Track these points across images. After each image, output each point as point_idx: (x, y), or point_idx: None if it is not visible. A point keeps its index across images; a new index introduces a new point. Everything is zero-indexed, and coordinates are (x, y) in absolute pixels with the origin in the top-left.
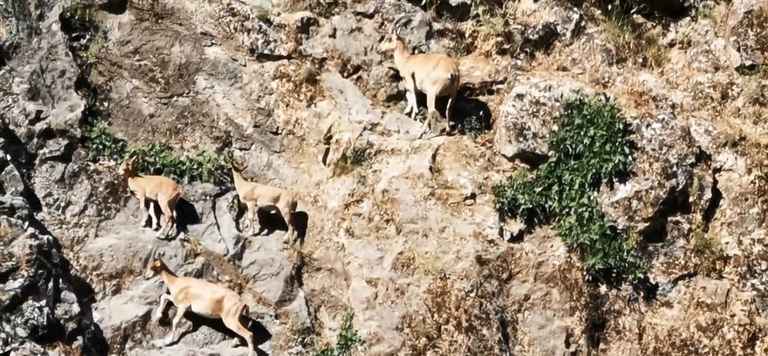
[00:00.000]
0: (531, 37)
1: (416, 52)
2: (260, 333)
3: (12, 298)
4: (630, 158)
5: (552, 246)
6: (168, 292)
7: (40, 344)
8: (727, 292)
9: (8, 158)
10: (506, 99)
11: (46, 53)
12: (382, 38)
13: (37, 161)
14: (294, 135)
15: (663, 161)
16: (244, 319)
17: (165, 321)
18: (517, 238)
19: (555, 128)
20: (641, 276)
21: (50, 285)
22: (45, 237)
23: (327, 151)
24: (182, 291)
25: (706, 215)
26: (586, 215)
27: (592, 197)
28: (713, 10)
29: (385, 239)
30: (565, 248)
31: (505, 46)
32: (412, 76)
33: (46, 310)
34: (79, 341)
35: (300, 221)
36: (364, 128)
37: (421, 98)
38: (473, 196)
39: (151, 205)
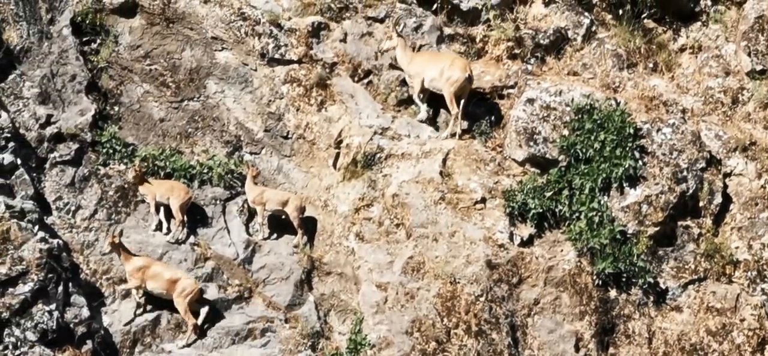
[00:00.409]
0: (542, 41)
1: (419, 48)
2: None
3: (22, 302)
4: (640, 162)
5: (562, 251)
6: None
7: (49, 348)
8: (737, 297)
9: (18, 162)
10: (517, 104)
11: (56, 57)
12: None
13: (47, 165)
14: (304, 139)
15: (673, 166)
16: (199, 303)
17: (177, 326)
18: (527, 242)
19: (565, 132)
20: (651, 280)
21: (60, 289)
22: (55, 241)
23: (337, 155)
24: (139, 270)
25: (716, 219)
26: (597, 219)
27: (602, 202)
28: (724, 15)
29: (395, 244)
30: (575, 252)
31: (516, 51)
32: (418, 74)
33: (55, 314)
34: (89, 345)
35: (310, 225)
36: (375, 133)
37: (424, 95)
38: (483, 200)
39: (162, 209)
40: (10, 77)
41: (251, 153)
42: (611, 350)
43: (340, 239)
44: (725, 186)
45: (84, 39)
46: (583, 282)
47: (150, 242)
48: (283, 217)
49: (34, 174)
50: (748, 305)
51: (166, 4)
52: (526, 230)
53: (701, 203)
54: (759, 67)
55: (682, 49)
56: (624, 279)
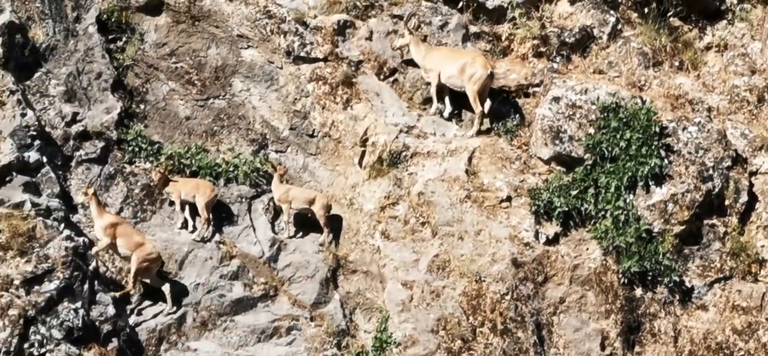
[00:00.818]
0: (567, 40)
1: (432, 42)
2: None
3: (47, 300)
4: (666, 161)
5: (588, 249)
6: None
7: (75, 346)
8: (763, 295)
9: (44, 160)
10: (542, 102)
11: (82, 55)
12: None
13: (73, 163)
14: (330, 138)
15: (699, 164)
16: (161, 278)
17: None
18: (552, 241)
19: (591, 130)
20: (677, 279)
21: (86, 287)
22: (81, 239)
23: (363, 153)
24: (112, 226)
25: (742, 218)
26: (622, 218)
27: (628, 200)
28: (750, 13)
29: (421, 242)
30: (600, 251)
31: (542, 49)
32: (434, 70)
33: (81, 312)
34: (115, 343)
35: (335, 223)
36: (400, 131)
37: (440, 92)
38: (509, 199)
39: (187, 207)
40: (36, 75)
41: (277, 151)
42: (637, 348)
43: (365, 238)
44: (751, 185)
45: (110, 37)
46: (609, 280)
47: (175, 241)
48: (309, 215)
49: (60, 172)
50: None
51: (191, 2)
52: (551, 228)
53: (727, 202)
54: None
55: (707, 48)
56: (650, 278)
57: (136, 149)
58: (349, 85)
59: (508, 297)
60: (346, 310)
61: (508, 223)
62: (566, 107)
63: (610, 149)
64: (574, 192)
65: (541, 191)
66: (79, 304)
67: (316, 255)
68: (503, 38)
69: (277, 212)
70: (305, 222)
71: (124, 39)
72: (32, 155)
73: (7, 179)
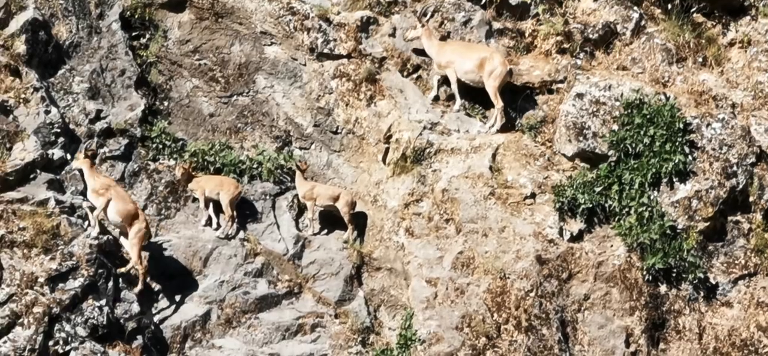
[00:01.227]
0: (591, 36)
1: (451, 37)
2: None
3: (72, 298)
4: (690, 157)
5: (612, 246)
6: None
7: (100, 343)
8: None
9: (68, 157)
10: (566, 98)
11: (106, 52)
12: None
13: (97, 161)
14: (354, 134)
15: (723, 161)
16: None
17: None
18: (576, 238)
19: (615, 127)
20: (701, 275)
21: (110, 284)
22: (105, 237)
23: (387, 150)
24: (106, 188)
25: (767, 214)
26: (646, 214)
27: (652, 197)
28: None
29: (445, 239)
30: (625, 247)
31: (565, 46)
32: (449, 65)
33: (105, 309)
34: (139, 340)
35: (359, 220)
36: (424, 128)
37: (458, 87)
38: (533, 195)
39: (211, 204)
40: (60, 72)
41: (301, 148)
42: (661, 345)
43: (389, 235)
44: None
45: (133, 34)
46: (633, 277)
47: (200, 238)
48: (333, 212)
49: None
50: None
51: None
52: (575, 225)
53: (751, 198)
54: None
55: (731, 44)
56: (674, 274)
57: (160, 146)
58: (373, 82)
59: (532, 294)
60: (371, 307)
61: (532, 220)
62: (590, 104)
63: (633, 145)
64: (598, 189)
65: (565, 187)
66: (103, 301)
67: (341, 252)
68: (526, 34)
69: (302, 209)
70: (329, 219)
71: (147, 36)
72: (56, 153)
73: (31, 176)
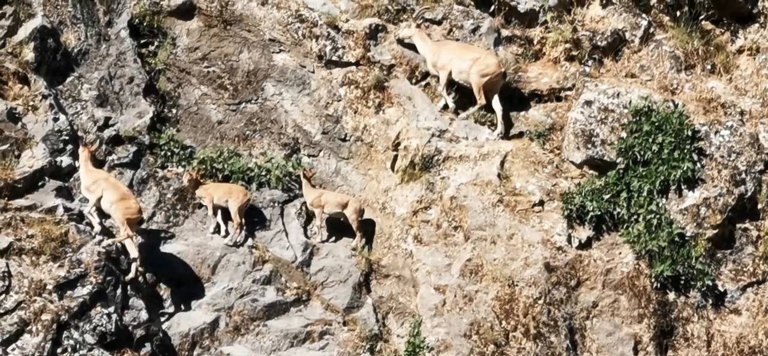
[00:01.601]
0: (599, 43)
1: (437, 38)
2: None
3: (80, 305)
4: (698, 165)
5: (620, 253)
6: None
7: (108, 351)
8: None
9: (77, 164)
10: (574, 106)
11: (114, 60)
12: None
13: (105, 168)
14: (362, 142)
15: (731, 168)
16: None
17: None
18: (585, 245)
19: (623, 134)
20: (710, 283)
21: (118, 291)
22: (114, 244)
23: (395, 158)
24: (96, 183)
25: None
26: (655, 222)
27: (660, 204)
28: None
29: (453, 246)
30: (633, 255)
31: (574, 53)
32: (445, 67)
33: (114, 317)
34: (147, 348)
35: (368, 228)
36: (433, 135)
37: (451, 87)
38: (541, 203)
39: (220, 212)
40: (68, 80)
41: (309, 156)
42: (670, 353)
43: (398, 242)
44: None
45: (142, 41)
46: (642, 284)
47: (208, 245)
48: (342, 220)
49: None
50: None
51: (223, 6)
52: (584, 232)
53: (760, 206)
54: None
55: (739, 51)
56: (682, 282)
57: (169, 154)
58: (381, 90)
59: (540, 302)
60: (379, 315)
61: (540, 227)
62: (598, 111)
63: (642, 152)
64: (606, 196)
65: (574, 195)
66: (111, 309)
67: (349, 260)
68: (535, 42)
69: (310, 216)
70: (338, 227)
71: (156, 43)
72: (65, 160)
73: (40, 183)
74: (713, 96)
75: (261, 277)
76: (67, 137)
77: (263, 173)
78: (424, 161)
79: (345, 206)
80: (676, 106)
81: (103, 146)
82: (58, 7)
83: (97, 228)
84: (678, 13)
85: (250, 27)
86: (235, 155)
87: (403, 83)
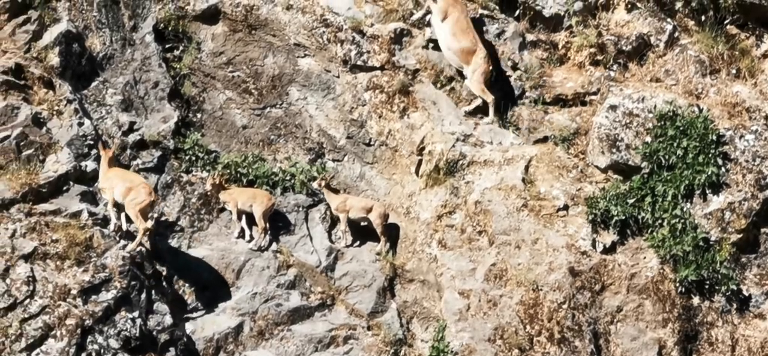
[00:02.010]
0: (624, 48)
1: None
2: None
3: (105, 310)
4: (723, 169)
5: (645, 258)
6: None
7: (132, 355)
8: None
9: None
10: (599, 110)
11: (139, 64)
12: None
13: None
14: (387, 146)
15: (756, 173)
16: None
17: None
18: (609, 249)
19: (648, 139)
20: (734, 287)
21: (143, 296)
22: (138, 248)
23: (420, 162)
24: (107, 180)
25: None
26: (679, 226)
27: (685, 209)
28: None
29: (478, 251)
30: (657, 259)
31: (599, 57)
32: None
33: (138, 321)
34: (172, 352)
35: (392, 232)
36: (457, 140)
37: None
38: (566, 207)
39: (244, 217)
40: (93, 84)
41: (334, 160)
42: None
43: (422, 247)
44: None
45: (167, 46)
46: (666, 289)
47: (233, 250)
48: (366, 224)
49: None
50: None
51: (248, 11)
52: (608, 237)
53: None
54: None
55: (764, 56)
56: (707, 286)
57: (193, 158)
58: (406, 94)
59: (565, 306)
60: (403, 319)
61: (564, 232)
62: (623, 116)
63: (667, 157)
64: (631, 201)
65: (598, 199)
66: (136, 313)
67: (373, 264)
68: (560, 46)
69: (334, 221)
70: (362, 231)
71: (180, 48)
72: (89, 165)
73: (65, 188)
74: (738, 100)
75: (285, 282)
76: (91, 142)
77: (288, 178)
78: (449, 166)
79: (369, 210)
80: (700, 110)
81: (128, 151)
82: (83, 11)
83: (114, 225)
84: (703, 18)
85: (275, 31)
86: (260, 159)
87: (427, 88)
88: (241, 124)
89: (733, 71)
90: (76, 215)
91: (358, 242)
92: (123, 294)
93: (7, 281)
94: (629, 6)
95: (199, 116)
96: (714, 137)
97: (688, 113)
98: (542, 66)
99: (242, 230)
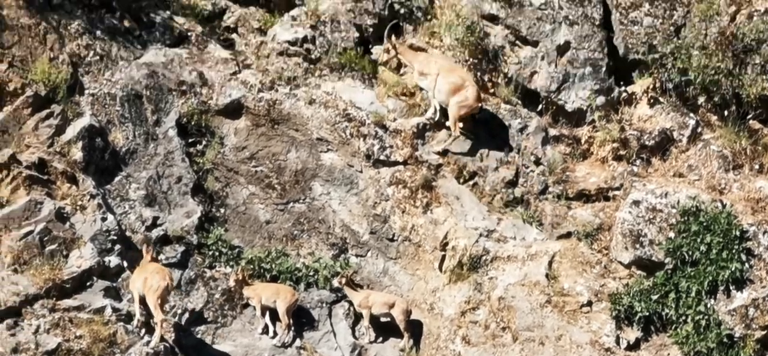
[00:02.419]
0: (647, 143)
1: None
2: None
3: None
4: (747, 265)
5: (669, 354)
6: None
7: None
8: None
9: (125, 264)
10: (622, 205)
11: (162, 159)
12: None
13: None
14: (410, 242)
15: None
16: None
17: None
18: (633, 346)
19: (671, 234)
20: None
21: None
22: (162, 345)
23: (443, 258)
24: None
25: None
26: (703, 323)
27: (708, 305)
28: None
29: (502, 347)
30: None
31: (621, 152)
32: (424, 76)
33: None
34: None
35: (415, 328)
36: (480, 235)
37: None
38: (590, 303)
39: (268, 312)
40: (116, 179)
41: (357, 255)
42: None
43: (446, 343)
44: None
45: (190, 140)
46: None
47: (257, 346)
48: (388, 320)
49: None
50: None
51: (271, 106)
52: (632, 333)
53: None
54: None
55: None
56: None
57: (217, 254)
58: (429, 189)
59: None
60: None
61: (588, 328)
62: (646, 211)
63: (690, 253)
64: (654, 297)
65: (622, 295)
66: None
67: None
68: (583, 141)
69: (358, 317)
70: (385, 327)
71: (204, 143)
72: (113, 260)
73: (88, 284)
74: (761, 196)
75: None
76: (115, 237)
77: (311, 273)
78: (472, 261)
79: (392, 306)
80: (724, 206)
81: (151, 246)
82: (106, 106)
83: (137, 321)
84: (726, 113)
85: (298, 126)
86: (283, 254)
87: (450, 183)
88: (264, 219)
89: (756, 166)
90: (99, 310)
91: (381, 339)
92: None
93: None
94: (652, 101)
95: (222, 210)
96: (737, 233)
97: (711, 208)
98: (565, 161)
99: (266, 326)
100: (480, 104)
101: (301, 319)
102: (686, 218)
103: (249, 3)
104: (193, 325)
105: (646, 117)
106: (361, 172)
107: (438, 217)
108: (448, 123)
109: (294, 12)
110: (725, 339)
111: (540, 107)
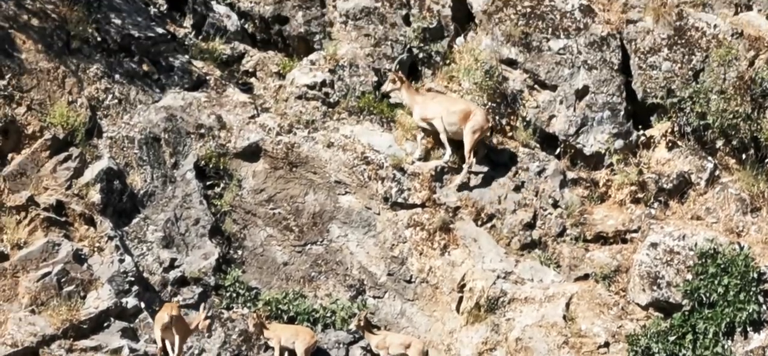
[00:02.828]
0: (665, 185)
1: (420, 88)
2: None
3: None
4: (764, 307)
5: None
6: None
7: None
8: None
9: (142, 306)
10: (640, 248)
11: (180, 201)
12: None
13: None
14: (427, 283)
15: None
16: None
17: None
18: None
19: (689, 276)
20: None
21: None
22: None
23: (460, 299)
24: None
25: None
26: None
27: (726, 347)
28: None
29: None
30: None
31: (639, 195)
32: (425, 119)
33: None
34: None
35: None
36: (498, 277)
37: (437, 137)
38: (607, 345)
39: (287, 354)
40: (134, 221)
41: (374, 297)
42: None
43: None
44: None
45: (207, 183)
46: None
47: None
48: None
49: None
50: None
51: (289, 149)
52: None
53: None
54: None
55: None
56: None
57: (234, 295)
58: (447, 231)
59: None
60: None
61: None
62: (664, 253)
63: (708, 294)
64: (672, 338)
65: (639, 337)
66: None
67: None
68: (601, 184)
69: None
70: None
71: (221, 185)
72: (130, 301)
73: (105, 325)
74: None
75: None
76: (132, 279)
77: (328, 315)
78: (490, 303)
79: (408, 347)
80: (742, 248)
81: (169, 288)
82: (125, 149)
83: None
84: (744, 156)
85: (316, 169)
86: (300, 296)
87: (468, 225)
88: (281, 261)
89: None
90: (116, 351)
91: None
92: None
93: None
94: (670, 144)
95: (239, 252)
96: (755, 275)
97: (729, 250)
98: (583, 204)
99: None
100: (490, 125)
101: None
102: (704, 260)
103: (268, 47)
104: None
105: (664, 160)
106: (378, 214)
107: (455, 259)
108: (464, 166)
109: (312, 56)
110: None
111: (558, 150)
